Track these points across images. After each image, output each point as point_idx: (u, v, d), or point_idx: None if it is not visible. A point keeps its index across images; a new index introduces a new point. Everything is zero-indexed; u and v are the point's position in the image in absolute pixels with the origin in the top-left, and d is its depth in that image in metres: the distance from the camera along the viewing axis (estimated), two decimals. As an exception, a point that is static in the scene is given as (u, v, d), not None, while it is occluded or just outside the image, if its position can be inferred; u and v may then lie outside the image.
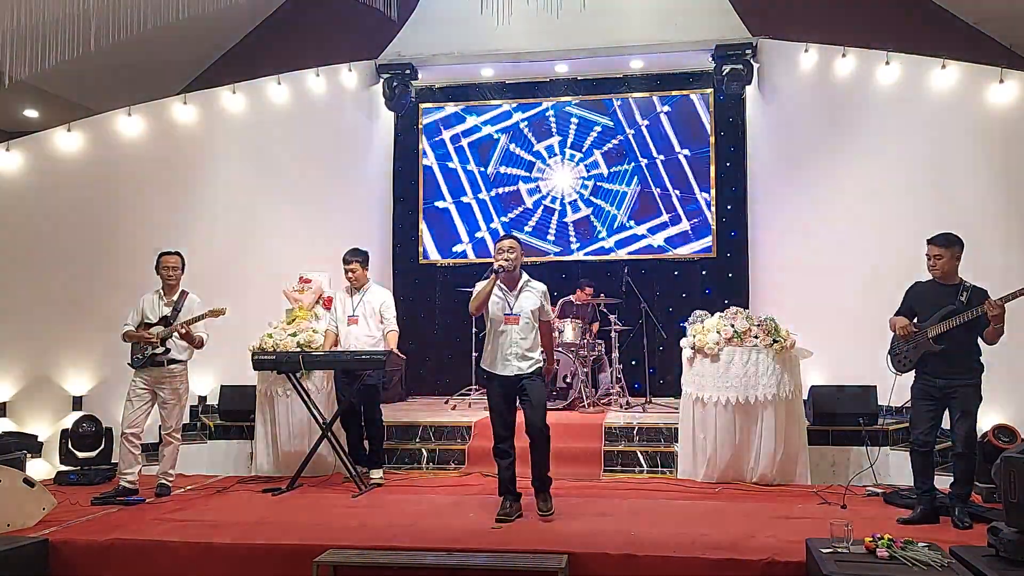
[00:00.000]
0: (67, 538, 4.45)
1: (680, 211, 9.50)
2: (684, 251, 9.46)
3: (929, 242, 4.81)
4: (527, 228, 9.74)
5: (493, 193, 9.91)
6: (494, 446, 4.97)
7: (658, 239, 9.52)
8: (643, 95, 9.72)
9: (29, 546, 4.25)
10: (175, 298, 5.86)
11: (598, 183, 9.72)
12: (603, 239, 9.64)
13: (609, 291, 8.49)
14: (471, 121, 10.04)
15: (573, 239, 9.73)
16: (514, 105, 9.96)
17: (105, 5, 6.13)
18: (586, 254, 9.67)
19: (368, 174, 9.83)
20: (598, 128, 9.77)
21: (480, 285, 4.93)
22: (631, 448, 6.48)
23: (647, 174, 9.59)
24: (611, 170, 9.69)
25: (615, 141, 9.70)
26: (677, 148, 9.60)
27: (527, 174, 9.86)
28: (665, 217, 9.52)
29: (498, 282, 4.92)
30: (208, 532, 4.52)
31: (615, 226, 9.64)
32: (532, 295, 4.99)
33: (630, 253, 9.53)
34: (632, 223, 9.58)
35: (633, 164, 9.63)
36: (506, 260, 4.89)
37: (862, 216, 7.67)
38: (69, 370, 7.11)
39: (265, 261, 8.08)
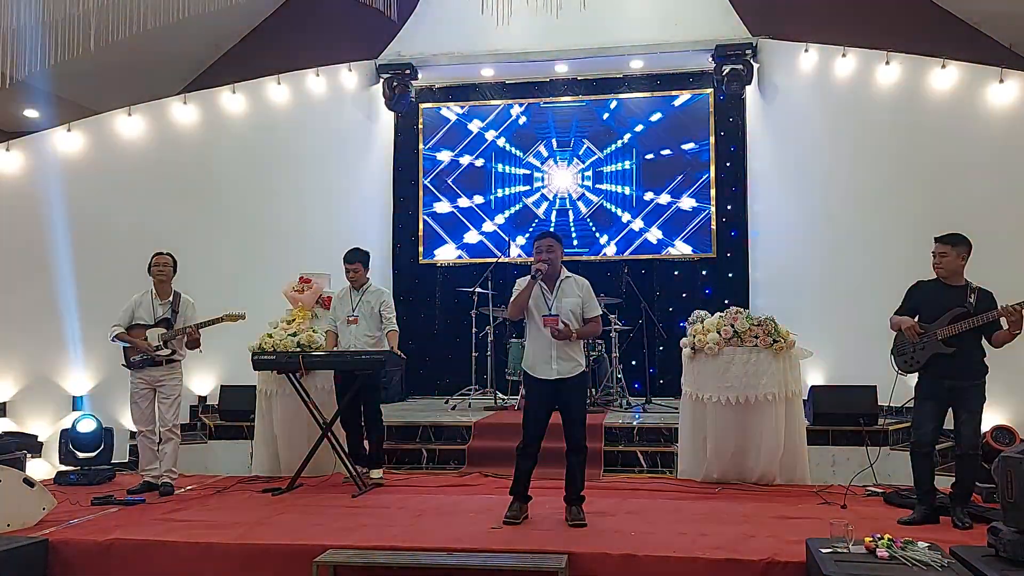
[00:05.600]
0: (67, 538, 4.45)
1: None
2: (683, 250, 9.47)
3: (936, 239, 4.73)
4: (529, 229, 9.73)
5: (499, 193, 9.92)
6: (521, 446, 4.72)
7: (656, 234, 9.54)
8: (643, 95, 9.72)
9: (29, 546, 4.24)
10: (170, 299, 5.89)
11: (597, 182, 9.71)
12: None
13: (609, 291, 8.48)
14: (470, 125, 10.04)
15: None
16: (513, 104, 9.94)
17: (105, 5, 6.13)
18: (584, 254, 9.65)
19: (368, 174, 9.83)
20: (589, 122, 9.76)
21: (519, 285, 4.72)
22: (631, 448, 6.49)
23: (644, 174, 9.61)
24: (606, 167, 9.69)
25: (613, 146, 9.71)
26: (677, 148, 9.59)
27: (528, 172, 9.86)
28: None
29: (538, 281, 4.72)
30: (208, 532, 4.52)
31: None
32: (572, 293, 4.74)
33: (631, 253, 9.53)
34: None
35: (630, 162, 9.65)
36: (545, 262, 4.64)
37: (862, 216, 7.67)
38: (69, 370, 7.11)
39: (265, 261, 8.08)
